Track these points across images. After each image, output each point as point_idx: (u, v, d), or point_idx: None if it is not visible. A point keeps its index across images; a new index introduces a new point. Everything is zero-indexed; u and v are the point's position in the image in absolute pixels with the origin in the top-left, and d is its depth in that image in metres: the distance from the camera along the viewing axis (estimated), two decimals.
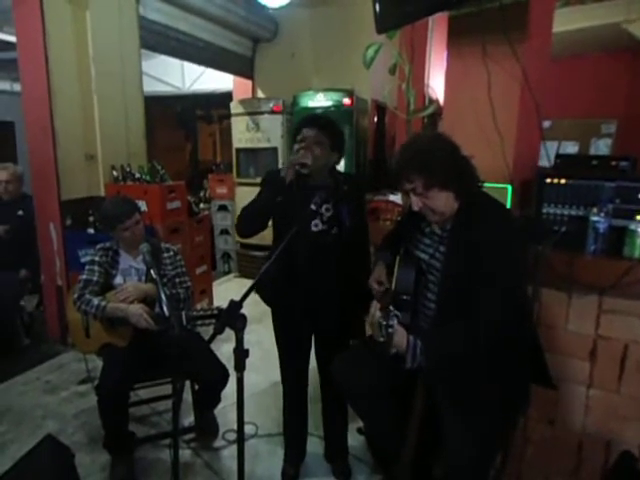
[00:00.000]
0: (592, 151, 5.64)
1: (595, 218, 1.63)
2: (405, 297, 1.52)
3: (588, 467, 1.82)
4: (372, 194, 2.65)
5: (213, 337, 1.32)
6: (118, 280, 2.21)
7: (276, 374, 2.11)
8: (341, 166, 4.67)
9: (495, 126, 1.76)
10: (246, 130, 4.85)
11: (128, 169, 3.54)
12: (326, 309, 1.89)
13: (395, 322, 1.25)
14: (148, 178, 3.49)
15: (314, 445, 2.27)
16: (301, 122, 1.81)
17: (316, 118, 1.83)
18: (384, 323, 1.22)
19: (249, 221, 1.84)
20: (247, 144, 4.91)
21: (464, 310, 1.38)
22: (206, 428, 2.42)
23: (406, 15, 1.81)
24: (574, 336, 1.77)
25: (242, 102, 4.99)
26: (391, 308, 1.26)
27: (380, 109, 5.32)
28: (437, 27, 2.36)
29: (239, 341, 1.25)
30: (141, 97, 3.87)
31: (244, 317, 1.24)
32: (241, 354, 1.26)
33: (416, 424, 1.63)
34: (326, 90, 4.71)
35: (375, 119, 5.33)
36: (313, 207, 1.51)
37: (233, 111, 4.98)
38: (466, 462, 1.45)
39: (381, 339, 1.23)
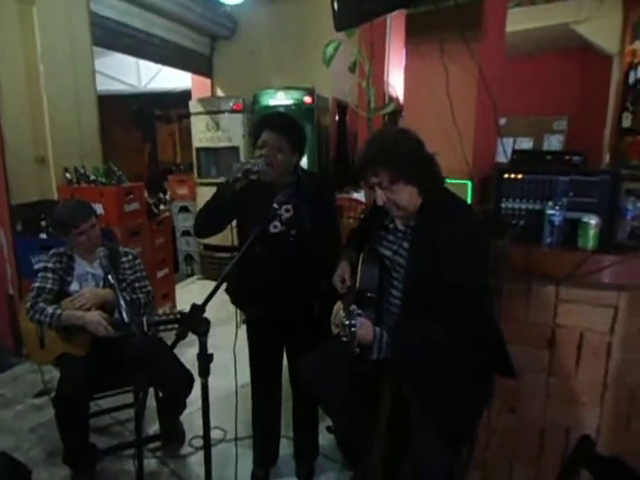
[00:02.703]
0: (545, 147, 5.86)
1: (550, 211, 1.68)
2: (369, 294, 1.52)
3: (549, 453, 1.88)
4: (335, 192, 2.65)
5: (176, 342, 1.28)
6: (74, 287, 2.11)
7: (245, 376, 2.07)
8: (303, 164, 4.68)
9: (454, 123, 1.79)
10: (206, 129, 4.77)
11: (82, 171, 3.40)
12: (292, 311, 1.87)
13: (358, 321, 1.24)
14: (104, 180, 3.37)
15: (284, 446, 2.25)
16: (261, 123, 1.77)
17: (276, 119, 1.80)
18: (347, 322, 1.21)
19: (204, 222, 1.81)
20: (208, 143, 4.82)
21: (428, 306, 1.40)
22: (172, 435, 2.36)
23: (364, 13, 1.82)
24: (534, 326, 1.82)
25: (201, 101, 4.90)
26: (354, 307, 1.26)
27: (341, 107, 5.34)
28: (396, 25, 2.39)
29: (202, 345, 1.22)
30: (94, 96, 3.74)
31: (207, 321, 1.21)
32: (205, 359, 1.23)
33: (385, 420, 1.64)
34: (287, 88, 4.69)
35: (337, 117, 5.35)
36: (275, 205, 1.49)
37: (192, 110, 4.88)
38: (434, 457, 1.47)
39: (345, 339, 1.22)
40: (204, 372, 1.25)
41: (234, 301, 1.99)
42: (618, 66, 4.06)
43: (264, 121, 1.78)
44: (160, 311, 3.44)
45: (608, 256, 1.61)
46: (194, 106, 4.87)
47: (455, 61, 1.81)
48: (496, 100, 1.99)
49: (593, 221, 1.62)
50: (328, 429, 2.30)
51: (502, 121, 5.75)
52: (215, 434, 2.36)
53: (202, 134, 4.82)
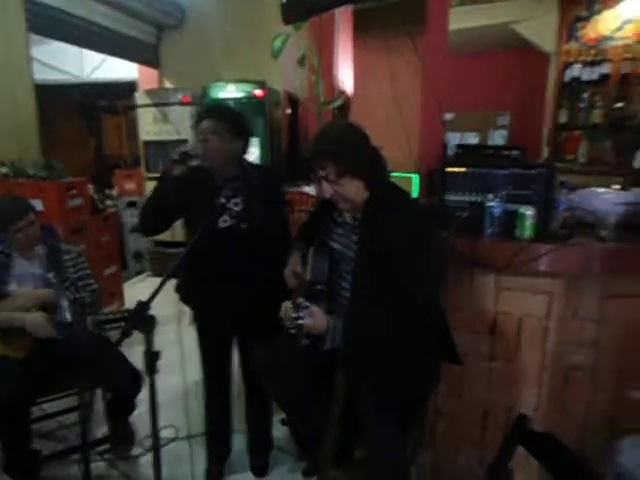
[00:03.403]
0: (490, 141, 6.07)
1: (491, 203, 1.75)
2: (319, 287, 1.54)
3: (493, 433, 1.98)
4: (287, 186, 2.65)
5: (120, 340, 1.25)
6: (12, 287, 2.01)
7: (198, 373, 2.05)
8: (255, 158, 4.63)
9: (400, 118, 1.83)
10: (154, 122, 4.63)
11: (19, 165, 3.22)
12: (244, 306, 1.86)
13: (309, 310, 1.26)
14: (44, 174, 3.21)
15: (238, 441, 2.24)
16: (200, 115, 1.77)
17: (213, 108, 1.82)
18: (294, 315, 1.22)
19: (148, 219, 1.77)
20: (155, 137, 4.69)
21: (377, 297, 1.43)
22: (121, 437, 2.29)
23: (311, 7, 1.82)
24: (477, 313, 1.90)
25: (148, 93, 4.75)
26: (301, 300, 1.27)
27: (293, 100, 5.33)
28: (345, 19, 2.40)
29: (148, 343, 1.20)
30: (31, 86, 3.54)
31: (153, 318, 1.19)
32: (151, 357, 1.20)
33: (338, 411, 1.66)
34: (237, 81, 4.62)
35: (288, 111, 5.33)
36: (222, 200, 1.47)
37: (139, 102, 4.73)
38: (385, 441, 1.51)
39: (292, 332, 1.23)
40: (151, 370, 1.23)
41: (184, 299, 1.96)
42: (555, 64, 4.26)
43: (203, 112, 1.77)
44: (107, 310, 3.33)
45: (543, 245, 1.71)
46: (140, 98, 4.72)
47: (400, 56, 1.85)
48: (441, 96, 2.06)
49: (530, 212, 1.71)
50: (282, 422, 2.31)
51: (450, 116, 5.94)
52: (167, 433, 2.31)
53: (149, 127, 4.68)
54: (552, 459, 1.20)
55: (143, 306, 1.17)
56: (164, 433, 2.34)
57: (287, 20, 1.96)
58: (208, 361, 2.00)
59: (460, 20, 4.48)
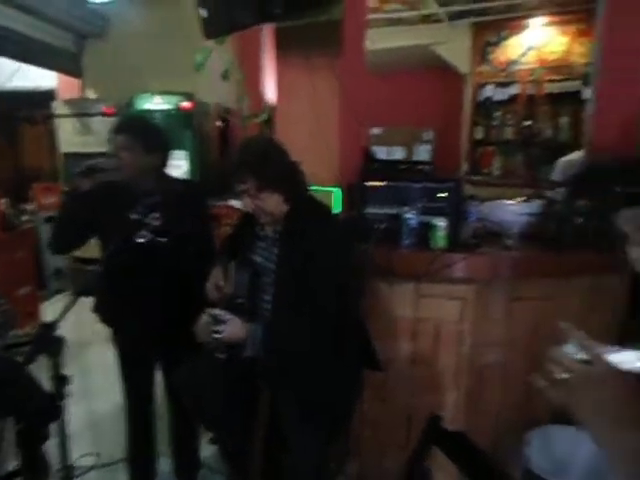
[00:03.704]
0: (416, 155, 6.35)
1: (407, 216, 1.85)
2: (240, 300, 1.54)
3: (416, 436, 2.05)
4: (215, 199, 2.63)
5: (24, 365, 1.18)
6: None
7: (121, 397, 1.97)
8: (184, 171, 4.54)
9: (320, 133, 1.89)
10: (74, 133, 4.42)
11: None
12: (165, 322, 1.81)
13: (227, 320, 1.26)
14: None
15: (164, 464, 2.16)
16: (113, 129, 1.72)
17: (126, 122, 1.76)
18: (210, 330, 1.22)
19: (58, 236, 1.70)
20: (77, 148, 4.47)
21: (298, 310, 1.46)
22: (34, 469, 2.14)
23: (231, 25, 1.84)
24: (398, 321, 1.99)
25: (68, 103, 4.54)
26: (217, 312, 1.27)
27: (224, 113, 5.29)
28: (271, 35, 2.44)
29: (55, 367, 1.14)
30: None
31: (60, 340, 1.14)
32: (59, 382, 1.15)
33: (263, 428, 1.67)
34: (164, 93, 4.53)
35: (219, 123, 5.29)
36: (135, 216, 1.44)
37: (57, 112, 4.50)
38: (308, 454, 1.53)
39: (210, 345, 1.23)
40: (60, 396, 1.17)
41: (103, 318, 1.89)
42: (470, 85, 4.57)
43: (116, 126, 1.72)
44: (21, 332, 3.11)
45: (455, 254, 1.82)
46: (60, 108, 4.50)
47: (320, 74, 1.91)
48: (368, 112, 2.15)
49: (442, 223, 1.82)
50: (211, 440, 2.26)
51: (378, 131, 6.17)
52: (86, 461, 2.19)
53: (70, 138, 4.46)
54: (463, 457, 1.28)
55: (47, 328, 1.12)
56: (82, 461, 2.23)
57: (208, 35, 1.97)
58: (129, 381, 1.93)
59: (386, 40, 4.70)
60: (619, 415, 0.56)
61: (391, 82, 5.94)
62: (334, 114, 1.95)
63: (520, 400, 1.95)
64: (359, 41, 2.10)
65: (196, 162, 4.55)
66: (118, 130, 1.69)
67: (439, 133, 5.72)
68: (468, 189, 4.46)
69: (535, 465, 1.64)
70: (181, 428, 2.03)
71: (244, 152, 1.50)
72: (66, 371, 2.30)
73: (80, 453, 2.21)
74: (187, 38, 4.76)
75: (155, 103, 4.46)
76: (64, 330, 2.00)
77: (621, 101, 2.50)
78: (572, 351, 0.63)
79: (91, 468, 2.19)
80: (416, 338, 1.99)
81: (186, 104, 4.45)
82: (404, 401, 2.04)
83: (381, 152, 5.45)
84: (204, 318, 1.34)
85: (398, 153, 6.47)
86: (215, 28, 1.91)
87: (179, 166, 4.34)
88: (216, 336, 1.22)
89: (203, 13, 1.91)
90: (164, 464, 2.14)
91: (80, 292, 1.28)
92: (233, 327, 1.31)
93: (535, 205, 2.10)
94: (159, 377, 1.99)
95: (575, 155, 2.71)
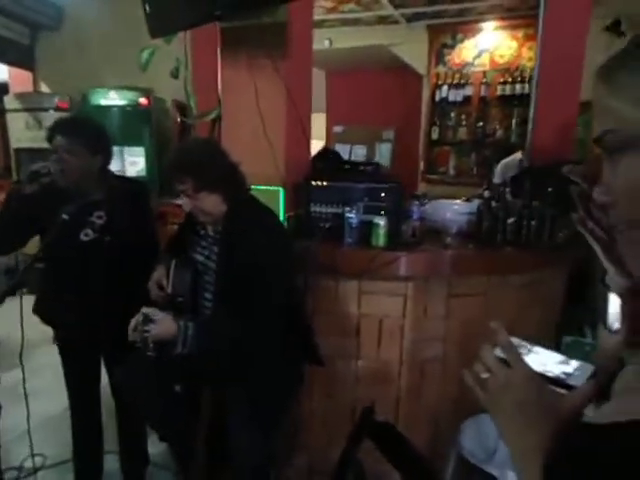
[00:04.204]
0: (377, 154, 6.45)
1: (349, 215, 1.90)
2: (180, 299, 1.56)
3: None
4: (165, 197, 2.63)
5: None
6: None
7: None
8: (140, 169, 4.46)
9: (265, 134, 1.92)
10: (26, 128, 4.30)
11: None
12: (109, 320, 1.81)
13: (157, 317, 1.28)
14: None
15: (113, 462, 2.16)
16: (52, 128, 1.70)
17: (65, 123, 1.74)
18: (140, 328, 1.24)
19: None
20: (29, 144, 4.34)
21: (237, 307, 1.49)
22: None
23: (174, 24, 1.85)
24: (342, 317, 2.04)
25: (20, 97, 4.41)
26: (147, 311, 1.29)
27: (184, 110, 5.24)
28: (216, 36, 2.44)
29: None
30: None
31: None
32: None
33: (206, 425, 1.69)
34: (120, 88, 4.45)
35: (179, 119, 5.23)
36: (65, 217, 1.44)
37: (8, 106, 4.36)
38: (247, 444, 1.56)
39: (138, 345, 1.25)
40: None
41: (44, 319, 1.87)
42: (428, 85, 4.69)
43: (55, 126, 1.70)
44: None
45: (395, 252, 1.89)
46: (10, 102, 4.36)
47: (264, 76, 1.94)
48: (308, 113, 2.19)
49: (382, 222, 1.88)
50: (160, 437, 2.27)
51: (339, 129, 6.24)
52: (34, 462, 2.17)
53: (21, 133, 4.33)
54: (390, 447, 1.34)
55: None
56: (30, 463, 2.20)
57: (153, 34, 1.97)
58: (73, 380, 1.92)
59: (343, 40, 4.77)
60: (525, 417, 0.57)
61: (351, 81, 6.05)
62: (279, 114, 1.98)
63: (457, 392, 2.03)
64: (305, 42, 2.13)
65: (154, 159, 4.49)
66: (58, 131, 1.66)
67: (400, 132, 5.86)
68: (424, 187, 4.60)
69: (467, 452, 1.72)
70: (127, 425, 2.03)
71: (181, 153, 1.53)
72: (13, 373, 2.27)
73: (27, 454, 2.20)
74: (144, 33, 4.69)
75: (110, 98, 4.38)
76: (11, 331, 1.98)
77: (559, 105, 2.62)
78: (500, 351, 0.64)
79: (39, 469, 2.17)
80: (360, 334, 2.05)
81: (143, 100, 4.38)
82: (350, 395, 2.10)
83: (343, 150, 5.52)
84: (136, 317, 1.36)
85: (359, 151, 6.55)
86: (159, 27, 1.91)
87: (136, 163, 4.28)
88: (145, 335, 1.24)
89: (147, 9, 1.90)
90: (112, 462, 2.15)
91: (11, 287, 1.27)
92: (162, 325, 1.33)
93: (475, 205, 2.19)
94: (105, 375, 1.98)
95: (515, 156, 2.83)
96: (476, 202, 2.21)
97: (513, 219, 2.02)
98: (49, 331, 1.95)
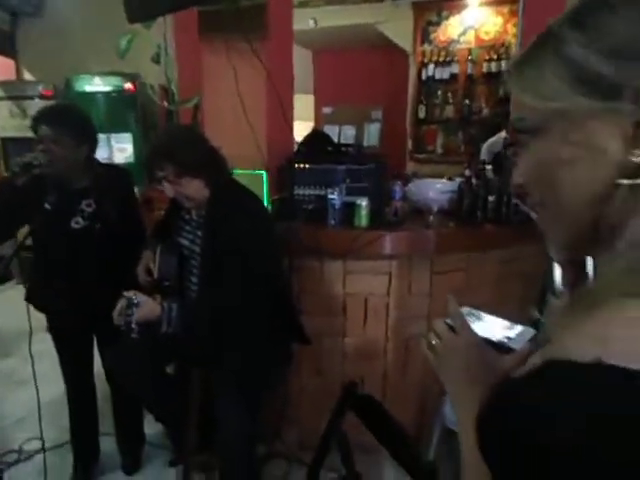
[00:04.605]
0: (366, 134, 6.43)
1: (331, 196, 1.93)
2: (167, 283, 1.60)
3: None
4: (148, 183, 2.63)
5: None
6: None
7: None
8: (129, 155, 4.45)
9: (246, 118, 1.93)
10: (10, 116, 4.26)
11: None
12: (101, 307, 1.85)
13: (140, 301, 1.32)
14: None
15: (108, 444, 2.22)
16: (36, 117, 1.70)
17: (52, 113, 1.73)
18: (124, 312, 1.28)
19: None
20: (14, 133, 4.31)
21: (221, 286, 1.53)
22: None
23: (152, 9, 1.85)
24: (328, 297, 2.09)
25: (3, 85, 4.36)
26: (130, 295, 1.33)
27: (171, 95, 5.20)
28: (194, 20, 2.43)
29: None
30: None
31: None
32: None
33: (196, 407, 1.74)
34: (105, 74, 4.40)
35: (166, 105, 5.19)
36: (47, 207, 1.47)
37: None
38: (235, 425, 1.62)
39: (123, 328, 1.29)
40: None
41: (37, 306, 1.91)
42: (414, 64, 4.67)
43: (40, 115, 1.71)
44: None
45: (378, 232, 1.92)
46: None
47: (243, 59, 1.95)
48: (284, 96, 2.20)
49: (364, 203, 1.92)
50: (156, 418, 2.34)
51: (328, 110, 6.21)
52: (32, 445, 2.23)
53: (5, 122, 4.30)
54: (371, 418, 1.40)
55: None
56: (28, 446, 2.27)
57: (131, 19, 1.96)
58: (68, 364, 1.97)
59: (328, 19, 4.72)
60: (466, 377, 0.63)
61: (338, 60, 6.00)
62: (259, 97, 2.00)
63: None
64: (285, 23, 2.13)
65: (141, 145, 4.47)
66: (43, 121, 1.67)
67: (388, 111, 5.84)
68: (412, 167, 4.61)
69: (449, 421, 1.80)
70: (122, 408, 2.09)
71: (162, 140, 1.55)
72: (8, 361, 2.28)
73: (25, 438, 2.26)
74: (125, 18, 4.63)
75: (95, 85, 4.34)
76: (4, 321, 2.00)
77: None
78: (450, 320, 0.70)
79: (37, 452, 2.23)
80: (346, 312, 2.10)
81: (128, 85, 4.35)
82: (338, 372, 2.16)
83: (332, 131, 5.50)
84: (120, 302, 1.40)
85: (349, 132, 6.52)
86: (137, 12, 1.91)
87: (124, 149, 4.27)
88: (128, 319, 1.29)
89: None
90: (109, 442, 2.21)
91: None
92: (146, 307, 1.37)
93: (456, 183, 2.23)
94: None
95: (499, 135, 2.86)
96: (458, 181, 2.25)
97: (494, 197, 2.06)
98: (44, 319, 1.99)
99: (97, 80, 4.35)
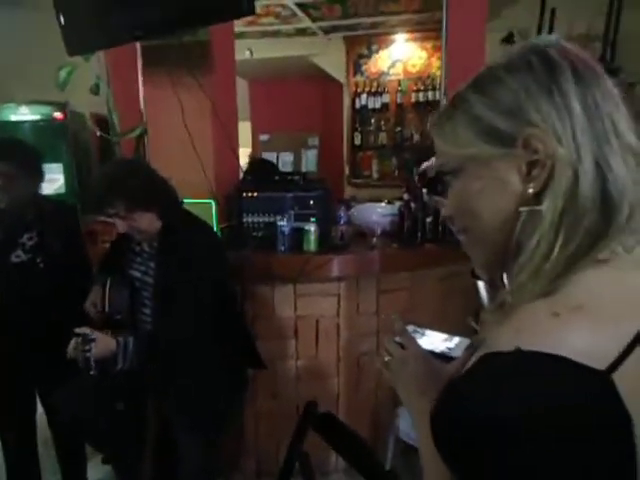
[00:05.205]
0: (304, 160, 6.59)
1: (281, 223, 1.99)
2: (118, 316, 1.58)
3: None
4: (92, 215, 2.57)
5: None
6: None
7: None
8: (60, 185, 4.26)
9: (193, 149, 1.97)
10: None
11: None
12: (45, 344, 1.77)
13: (96, 337, 1.30)
14: None
15: None
16: None
17: (3, 148, 1.69)
18: (81, 349, 1.26)
19: None
20: None
21: (175, 317, 1.53)
22: None
23: (92, 43, 1.85)
24: (280, 320, 2.13)
25: None
26: (85, 331, 1.31)
27: (104, 122, 5.07)
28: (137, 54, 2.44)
29: None
30: None
31: None
32: None
33: (153, 441, 1.71)
34: (32, 102, 4.23)
35: (98, 133, 5.05)
36: (4, 237, 1.42)
37: None
38: (193, 454, 1.60)
39: (81, 365, 1.26)
40: None
41: None
42: (348, 93, 4.91)
43: None
44: None
45: (326, 255, 2.00)
46: None
47: (188, 92, 1.99)
48: (234, 126, 2.26)
49: (312, 228, 1.99)
50: (103, 460, 2.23)
51: (265, 137, 6.32)
52: None
53: None
54: (333, 435, 1.45)
55: None
56: None
57: (70, 52, 1.96)
58: (7, 411, 1.85)
59: (264, 50, 4.86)
60: (418, 387, 0.72)
61: (274, 90, 6.15)
62: (206, 129, 2.04)
63: None
64: (228, 57, 2.21)
65: (73, 175, 4.31)
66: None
67: (323, 139, 6.05)
68: (350, 191, 4.79)
69: (403, 433, 1.88)
70: (65, 453, 1.98)
71: (107, 177, 1.54)
72: None
73: None
74: (58, 44, 4.49)
75: (21, 114, 4.15)
76: None
77: None
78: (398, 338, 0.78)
79: None
80: (298, 335, 2.15)
81: (58, 114, 4.20)
82: (292, 394, 2.19)
83: (270, 158, 5.60)
84: (74, 338, 1.37)
85: (286, 158, 6.66)
86: (77, 45, 1.90)
87: (54, 180, 4.09)
88: (87, 355, 1.26)
89: (62, 21, 1.89)
90: None
91: None
92: (102, 344, 1.35)
93: (396, 207, 2.37)
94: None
95: (433, 160, 3.07)
96: (397, 204, 2.39)
97: (430, 218, 2.22)
98: None
99: (23, 109, 4.17)
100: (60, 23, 1.97)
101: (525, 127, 0.51)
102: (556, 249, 0.49)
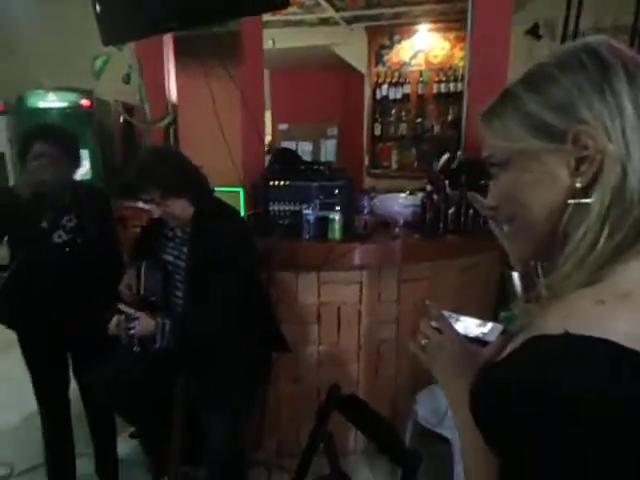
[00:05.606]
0: (323, 150, 6.61)
1: (306, 212, 2.04)
2: (153, 298, 1.65)
3: None
4: (121, 201, 2.64)
5: None
6: None
7: (30, 406, 1.96)
8: (86, 171, 4.37)
9: (223, 137, 2.02)
10: None
11: None
12: (80, 323, 1.86)
13: (138, 318, 1.37)
14: None
15: (83, 465, 2.19)
16: (30, 135, 1.72)
17: (49, 131, 1.77)
18: (124, 326, 1.33)
19: None
20: None
21: (208, 300, 1.59)
22: None
23: (127, 33, 1.91)
24: (304, 306, 2.19)
25: None
26: (130, 312, 1.38)
27: (130, 110, 5.15)
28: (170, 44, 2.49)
29: None
30: None
31: None
32: None
33: (180, 411, 1.78)
34: (60, 89, 4.33)
35: (122, 120, 5.14)
36: (45, 225, 1.50)
37: None
38: (220, 432, 1.67)
39: (124, 342, 1.33)
40: None
41: (11, 324, 1.88)
42: (369, 84, 4.91)
43: (33, 133, 1.73)
44: None
45: (349, 244, 2.05)
46: None
47: (219, 82, 2.04)
48: (261, 117, 2.31)
49: (337, 217, 2.04)
50: (131, 435, 2.33)
51: (284, 127, 6.36)
52: (1, 471, 2.17)
53: None
54: (358, 416, 1.51)
55: None
56: None
57: (105, 42, 2.01)
58: (42, 384, 1.94)
59: (286, 40, 4.88)
60: (454, 370, 0.75)
61: (295, 79, 6.17)
62: (235, 119, 2.09)
63: (411, 367, 2.25)
64: (257, 48, 2.25)
65: (98, 161, 4.42)
66: (45, 139, 1.69)
67: (344, 129, 6.06)
68: (369, 182, 4.81)
69: (421, 418, 1.94)
70: (98, 427, 2.08)
71: (142, 164, 1.60)
72: None
73: None
74: (84, 32, 4.56)
75: (49, 100, 4.25)
76: None
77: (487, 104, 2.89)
78: (434, 323, 0.80)
79: (7, 478, 2.17)
80: (321, 321, 2.21)
81: (84, 101, 4.29)
82: (313, 379, 2.26)
83: (290, 147, 5.64)
84: (117, 316, 1.44)
85: (306, 147, 6.69)
86: (110, 37, 1.96)
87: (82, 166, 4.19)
88: (131, 332, 1.33)
89: (97, 9, 1.94)
90: (85, 466, 2.18)
91: None
92: (144, 323, 1.42)
93: (418, 197, 2.40)
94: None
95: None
96: (420, 195, 2.42)
97: (453, 209, 2.25)
98: (7, 339, 1.95)
99: (51, 96, 4.27)
100: (95, 12, 2.02)
101: (576, 124, 0.53)
102: (602, 240, 0.50)
